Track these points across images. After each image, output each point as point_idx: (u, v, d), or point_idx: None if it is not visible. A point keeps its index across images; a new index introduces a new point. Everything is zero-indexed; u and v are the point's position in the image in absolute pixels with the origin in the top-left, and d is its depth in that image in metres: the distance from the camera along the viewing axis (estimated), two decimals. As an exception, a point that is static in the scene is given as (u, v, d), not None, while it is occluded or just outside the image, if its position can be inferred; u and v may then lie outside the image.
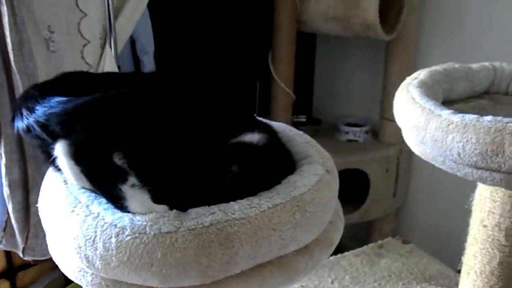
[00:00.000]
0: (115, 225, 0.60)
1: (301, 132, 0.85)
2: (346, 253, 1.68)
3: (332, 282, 1.54)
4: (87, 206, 0.64)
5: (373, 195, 2.01)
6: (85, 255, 0.61)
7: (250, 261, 0.63)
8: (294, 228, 0.64)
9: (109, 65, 1.43)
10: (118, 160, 0.61)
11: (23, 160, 1.39)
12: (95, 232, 0.61)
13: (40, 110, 0.64)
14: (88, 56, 1.40)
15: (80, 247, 0.61)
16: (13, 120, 0.69)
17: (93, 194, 0.66)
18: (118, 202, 0.63)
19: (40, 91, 0.69)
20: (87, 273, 0.65)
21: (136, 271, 0.59)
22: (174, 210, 0.62)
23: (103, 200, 0.64)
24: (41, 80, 1.31)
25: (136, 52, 1.73)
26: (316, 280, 1.54)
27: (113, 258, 0.59)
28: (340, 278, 1.56)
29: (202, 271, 0.60)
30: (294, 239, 0.65)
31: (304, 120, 2.27)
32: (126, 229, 0.60)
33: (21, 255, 1.45)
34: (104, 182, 0.63)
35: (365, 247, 1.71)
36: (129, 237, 0.59)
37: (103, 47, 1.42)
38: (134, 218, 0.61)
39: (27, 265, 1.67)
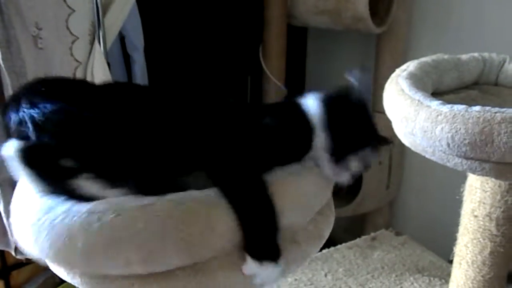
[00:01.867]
0: (93, 212, 0.61)
1: None
2: (339, 246, 1.69)
3: (325, 275, 1.55)
4: (57, 205, 0.64)
5: (366, 188, 2.01)
6: (64, 257, 0.61)
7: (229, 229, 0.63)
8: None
9: (98, 61, 1.42)
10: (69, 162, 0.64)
11: (13, 158, 1.38)
12: (73, 227, 0.61)
13: (41, 109, 0.65)
14: (77, 53, 1.38)
15: (58, 250, 0.61)
16: (6, 106, 0.68)
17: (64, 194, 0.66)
18: (70, 194, 0.64)
19: (46, 89, 0.70)
20: (75, 274, 0.65)
21: (119, 252, 0.59)
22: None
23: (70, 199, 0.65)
24: (30, 77, 1.31)
25: (126, 48, 1.72)
26: (309, 273, 1.55)
27: (96, 245, 0.60)
28: (333, 271, 1.57)
29: (184, 239, 0.60)
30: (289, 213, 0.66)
31: (296, 114, 2.27)
32: (107, 210, 0.61)
33: (13, 254, 1.45)
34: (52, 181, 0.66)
35: (358, 239, 1.72)
36: (112, 215, 0.60)
37: (92, 43, 1.41)
38: (110, 202, 0.62)
39: (20, 264, 1.66)
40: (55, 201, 0.65)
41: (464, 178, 1.17)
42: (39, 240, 0.63)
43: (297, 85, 2.38)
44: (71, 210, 0.62)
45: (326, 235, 0.75)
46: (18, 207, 0.70)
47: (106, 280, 0.63)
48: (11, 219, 0.71)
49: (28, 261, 1.56)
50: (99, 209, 0.61)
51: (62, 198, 0.65)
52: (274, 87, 2.03)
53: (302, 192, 0.69)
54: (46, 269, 1.74)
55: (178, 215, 0.60)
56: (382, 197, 2.10)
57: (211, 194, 0.63)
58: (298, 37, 2.29)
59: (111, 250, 0.59)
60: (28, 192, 0.69)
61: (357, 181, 2.01)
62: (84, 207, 0.62)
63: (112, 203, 0.61)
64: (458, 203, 1.20)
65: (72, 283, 0.66)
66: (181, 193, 0.63)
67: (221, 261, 0.64)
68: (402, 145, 1.09)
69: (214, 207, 0.62)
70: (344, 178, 0.72)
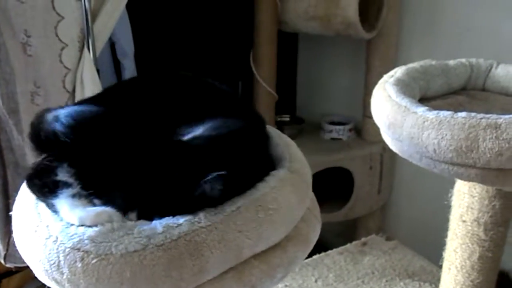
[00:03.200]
0: (78, 249, 0.59)
1: (280, 134, 0.85)
2: (329, 252, 1.69)
3: (316, 281, 1.55)
4: (47, 226, 0.63)
5: (357, 193, 2.02)
6: (53, 278, 0.61)
7: (221, 266, 0.63)
8: (259, 227, 0.64)
9: (87, 68, 1.42)
10: (61, 174, 0.66)
11: (2, 166, 1.37)
12: (58, 257, 0.60)
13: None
14: (66, 60, 1.38)
15: (46, 271, 0.61)
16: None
17: (53, 211, 0.65)
18: (54, 211, 0.65)
19: None
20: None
21: None
22: (133, 223, 0.62)
23: (58, 219, 0.64)
24: (19, 84, 1.31)
25: (116, 55, 1.72)
26: (300, 279, 1.54)
27: (81, 281, 0.59)
28: (323, 277, 1.57)
29: (175, 284, 0.59)
30: (261, 237, 0.65)
31: (287, 119, 2.27)
32: (91, 253, 0.58)
33: (2, 262, 1.44)
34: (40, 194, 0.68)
35: (348, 245, 1.72)
36: (95, 260, 0.58)
37: (81, 50, 1.41)
38: (95, 240, 0.59)
39: (11, 272, 1.65)
40: (53, 216, 0.64)
41: (453, 183, 1.18)
42: (33, 251, 0.63)
43: (288, 90, 2.38)
44: (60, 234, 0.61)
45: (313, 240, 0.75)
46: (21, 209, 0.70)
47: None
48: (12, 225, 0.71)
49: (18, 269, 1.55)
50: (83, 248, 0.59)
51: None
52: (265, 93, 2.04)
53: (280, 209, 0.68)
54: (37, 277, 1.73)
55: (167, 262, 0.58)
56: (374, 202, 2.11)
57: (201, 224, 0.61)
58: (288, 42, 2.30)
59: None
60: (28, 201, 0.69)
61: (348, 186, 2.03)
62: (68, 239, 0.60)
63: (97, 239, 0.59)
64: (448, 208, 1.20)
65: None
66: (171, 228, 0.60)
67: (212, 284, 0.64)
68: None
69: (205, 245, 0.60)
70: None
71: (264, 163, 0.74)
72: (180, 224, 0.61)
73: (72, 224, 0.62)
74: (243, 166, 0.68)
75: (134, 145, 0.64)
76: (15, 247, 1.40)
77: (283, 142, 0.81)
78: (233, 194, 0.66)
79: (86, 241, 0.59)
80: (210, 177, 0.60)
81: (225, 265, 0.63)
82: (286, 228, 0.69)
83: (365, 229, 2.14)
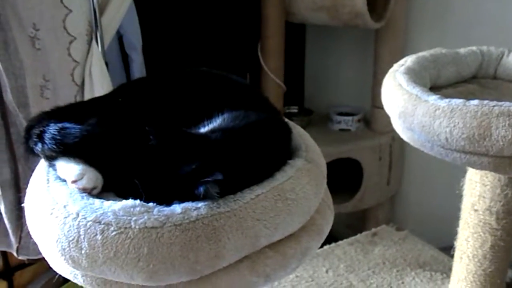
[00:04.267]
0: (99, 222, 0.60)
1: (294, 124, 0.85)
2: (340, 242, 1.68)
3: (326, 271, 1.55)
4: (64, 206, 0.63)
5: (366, 184, 2.01)
6: (70, 256, 0.61)
7: (238, 253, 0.63)
8: (277, 216, 0.64)
9: (96, 61, 1.42)
10: None
11: (13, 159, 1.38)
12: (78, 232, 0.60)
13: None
14: (75, 53, 1.38)
15: (64, 249, 0.61)
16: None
17: (69, 193, 0.66)
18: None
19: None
20: (77, 275, 0.65)
21: (122, 267, 0.59)
22: (154, 204, 0.62)
23: (78, 198, 0.64)
24: (28, 78, 1.31)
25: (124, 47, 1.71)
26: (310, 270, 1.55)
27: (99, 255, 0.59)
28: (334, 267, 1.57)
29: (190, 266, 0.60)
30: (279, 227, 0.65)
31: (295, 111, 2.27)
32: (111, 225, 0.60)
33: (15, 254, 1.45)
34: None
35: (359, 235, 1.72)
36: (114, 233, 0.59)
37: (89, 43, 1.41)
38: (118, 213, 0.60)
39: (24, 265, 1.66)
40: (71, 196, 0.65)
41: (464, 172, 1.17)
42: (49, 233, 0.63)
43: (296, 81, 2.38)
44: (82, 210, 0.62)
45: (326, 231, 0.75)
46: (33, 196, 0.70)
47: (108, 284, 0.63)
48: (24, 206, 0.72)
49: (31, 262, 1.57)
50: (104, 221, 0.60)
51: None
52: (273, 84, 2.03)
53: (296, 199, 0.68)
54: (49, 269, 1.75)
55: (184, 242, 0.59)
56: (383, 192, 2.10)
57: (220, 210, 0.62)
58: (296, 33, 2.29)
59: (114, 265, 0.59)
60: (46, 180, 0.70)
61: (357, 177, 2.02)
62: (92, 212, 0.61)
63: (118, 213, 0.60)
64: (459, 197, 1.20)
65: (75, 281, 0.67)
66: (189, 210, 0.61)
67: (226, 272, 0.64)
68: (403, 140, 1.09)
69: (222, 230, 0.61)
70: None
71: (283, 154, 0.74)
72: (199, 208, 0.61)
73: (95, 198, 0.64)
74: (261, 157, 0.68)
75: (149, 136, 0.64)
76: (28, 239, 1.42)
77: (297, 132, 0.81)
78: (252, 182, 0.66)
79: (108, 214, 0.60)
80: (208, 179, 0.60)
81: (241, 252, 0.63)
82: (302, 219, 0.69)
83: (374, 220, 2.13)
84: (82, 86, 1.43)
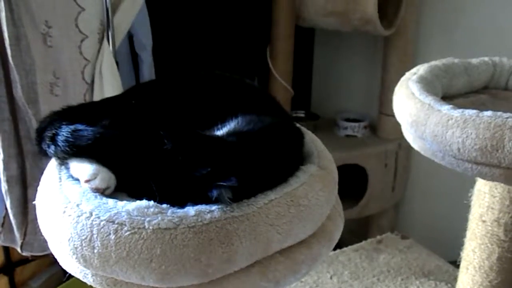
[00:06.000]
0: (113, 222, 0.60)
1: (306, 130, 0.85)
2: (345, 249, 1.68)
3: (331, 278, 1.54)
4: (78, 205, 0.63)
5: (371, 190, 2.01)
6: (82, 255, 0.61)
7: (249, 258, 0.63)
8: (290, 222, 0.64)
9: (107, 60, 1.42)
10: None
11: (21, 155, 1.38)
12: (91, 231, 0.60)
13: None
14: (86, 51, 1.39)
15: (76, 248, 0.61)
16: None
17: (82, 192, 0.66)
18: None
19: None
20: (87, 274, 0.65)
21: (134, 267, 0.59)
22: (167, 205, 0.62)
23: (92, 197, 0.64)
24: (39, 74, 1.31)
25: (134, 47, 1.72)
26: (315, 276, 1.54)
27: (112, 254, 0.59)
28: (339, 274, 1.56)
29: (202, 269, 0.60)
30: (291, 233, 0.65)
31: (302, 115, 2.26)
32: (125, 225, 0.60)
33: (19, 250, 1.45)
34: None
35: (363, 242, 1.71)
36: (128, 233, 0.59)
37: (101, 42, 1.41)
38: (131, 213, 0.60)
39: (25, 261, 1.66)
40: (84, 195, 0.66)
41: (471, 182, 1.17)
42: (61, 232, 0.63)
43: (303, 86, 2.37)
44: (96, 209, 0.62)
45: (337, 238, 0.75)
46: (45, 194, 0.70)
47: (118, 284, 0.63)
48: (36, 204, 0.72)
49: (33, 258, 1.57)
50: (118, 220, 0.60)
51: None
52: (281, 88, 2.03)
53: (309, 206, 0.68)
54: (51, 265, 1.74)
55: (197, 245, 0.59)
56: (388, 199, 2.10)
57: (234, 214, 0.62)
58: (305, 38, 2.29)
59: (126, 265, 0.59)
60: (58, 179, 0.70)
61: (362, 183, 2.02)
62: (106, 212, 0.61)
63: (132, 213, 0.60)
64: (464, 207, 1.19)
65: (84, 281, 0.67)
66: (203, 213, 0.61)
67: (236, 277, 0.64)
68: (409, 147, 1.09)
69: (235, 234, 0.60)
70: None
71: (296, 159, 0.74)
72: (213, 211, 0.61)
73: (109, 198, 0.64)
74: (275, 161, 0.68)
75: (164, 138, 0.64)
76: (32, 236, 1.42)
77: (309, 138, 0.81)
78: (265, 187, 0.66)
79: (122, 213, 0.60)
80: (222, 183, 0.60)
81: (253, 257, 0.63)
82: (314, 225, 0.69)
83: (378, 227, 2.13)
84: (92, 84, 1.43)
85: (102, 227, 0.60)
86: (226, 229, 0.60)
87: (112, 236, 0.59)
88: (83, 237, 0.61)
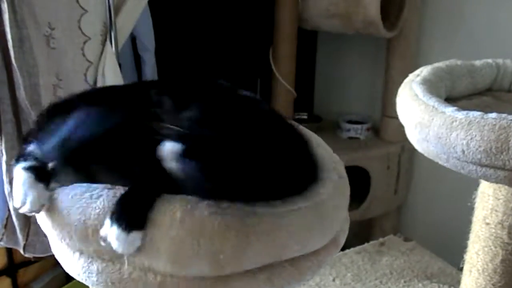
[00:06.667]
0: None
1: (312, 133, 0.84)
2: (347, 251, 1.68)
3: (333, 280, 1.54)
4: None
5: (374, 193, 2.01)
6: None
7: (261, 259, 0.62)
8: (311, 234, 0.64)
9: (109, 62, 1.42)
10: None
11: (23, 157, 1.38)
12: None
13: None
14: (89, 53, 1.39)
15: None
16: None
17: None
18: None
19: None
20: (92, 273, 0.64)
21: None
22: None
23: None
24: (42, 76, 1.32)
25: (137, 49, 1.72)
26: (317, 278, 1.54)
27: None
28: (341, 276, 1.56)
29: (214, 253, 0.59)
30: (308, 244, 0.64)
31: (305, 117, 2.26)
32: None
33: (22, 252, 1.45)
34: None
35: (366, 244, 1.71)
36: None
37: (103, 44, 1.41)
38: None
39: (28, 262, 1.66)
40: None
41: (473, 184, 1.17)
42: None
43: (306, 88, 2.37)
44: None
45: (343, 242, 0.74)
46: None
47: (123, 281, 0.63)
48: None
49: (36, 259, 1.57)
50: None
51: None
52: (284, 90, 2.03)
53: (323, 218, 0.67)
54: (53, 267, 1.74)
55: (213, 226, 0.59)
56: (390, 202, 2.09)
57: (255, 209, 0.61)
58: (308, 40, 2.29)
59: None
60: None
61: (365, 186, 2.02)
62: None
63: None
64: (467, 209, 1.19)
65: (86, 283, 0.66)
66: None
67: (243, 280, 0.63)
68: (411, 149, 1.09)
69: (252, 229, 0.60)
70: None
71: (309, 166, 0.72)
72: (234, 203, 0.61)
73: None
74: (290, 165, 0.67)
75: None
76: (35, 237, 1.42)
77: (321, 143, 0.80)
78: (291, 192, 0.65)
79: None
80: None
81: (264, 259, 0.62)
82: (330, 236, 0.69)
83: (380, 230, 2.12)
84: (94, 86, 1.43)
85: None
86: (245, 222, 0.60)
87: None
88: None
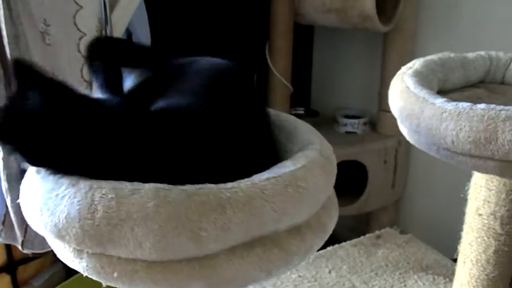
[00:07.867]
0: (115, 188, 0.62)
1: (304, 122, 0.86)
2: (343, 244, 1.69)
3: (329, 272, 1.55)
4: (73, 185, 0.64)
5: (371, 187, 2.01)
6: (82, 227, 0.61)
7: (245, 233, 0.63)
8: (286, 202, 0.65)
9: (105, 58, 1.43)
10: None
11: (20, 153, 1.39)
12: (92, 201, 0.61)
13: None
14: (84, 49, 1.39)
15: (77, 222, 0.62)
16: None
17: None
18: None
19: None
20: (82, 258, 0.65)
21: (133, 228, 0.60)
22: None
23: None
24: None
25: (133, 45, 1.72)
26: (313, 270, 1.55)
27: (112, 215, 0.60)
28: (337, 268, 1.57)
29: (195, 231, 0.60)
30: (286, 212, 0.65)
31: (302, 112, 2.27)
32: (126, 188, 0.62)
33: (20, 248, 1.46)
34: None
35: (362, 237, 1.72)
36: (128, 192, 0.61)
37: (99, 40, 1.42)
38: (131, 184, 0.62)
39: (27, 259, 1.67)
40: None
41: (469, 176, 1.17)
42: (48, 213, 0.64)
43: (303, 83, 2.38)
44: (95, 184, 0.63)
45: (330, 229, 0.75)
46: (28, 185, 0.71)
47: (112, 264, 0.64)
48: (20, 199, 0.72)
49: (35, 256, 1.57)
50: (119, 186, 0.62)
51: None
52: (280, 85, 2.04)
53: (310, 188, 0.69)
54: (53, 264, 1.74)
55: (189, 204, 0.60)
56: (387, 196, 2.10)
57: (227, 186, 0.63)
58: (304, 35, 2.29)
59: (126, 226, 0.61)
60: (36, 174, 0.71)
61: (362, 180, 2.02)
62: (107, 183, 0.63)
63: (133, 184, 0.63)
64: (463, 201, 1.20)
65: (78, 269, 0.67)
66: (195, 185, 0.63)
67: (229, 255, 0.64)
68: (408, 143, 1.09)
69: (228, 202, 0.61)
70: None
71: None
72: (204, 185, 0.63)
73: None
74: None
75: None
76: (33, 233, 1.43)
77: (310, 129, 0.82)
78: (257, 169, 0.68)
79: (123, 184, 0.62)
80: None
81: (248, 231, 0.63)
82: (310, 210, 0.70)
83: (378, 224, 2.13)
84: (90, 82, 1.44)
85: (103, 195, 0.61)
86: (219, 196, 0.61)
87: (113, 202, 0.60)
88: (82, 208, 0.61)
